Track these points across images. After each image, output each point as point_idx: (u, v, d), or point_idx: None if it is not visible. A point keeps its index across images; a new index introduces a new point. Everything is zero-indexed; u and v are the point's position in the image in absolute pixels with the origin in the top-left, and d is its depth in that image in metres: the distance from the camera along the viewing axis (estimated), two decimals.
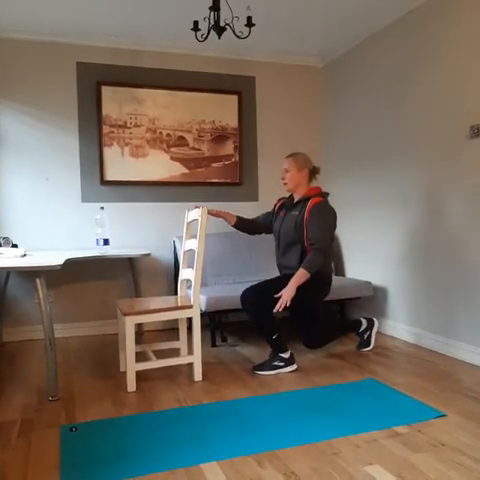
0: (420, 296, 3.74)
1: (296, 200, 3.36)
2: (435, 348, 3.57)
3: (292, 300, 3.08)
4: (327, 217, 3.28)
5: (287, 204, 3.43)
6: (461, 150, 3.30)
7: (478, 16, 3.14)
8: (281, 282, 3.16)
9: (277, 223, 3.45)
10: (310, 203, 3.24)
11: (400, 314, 3.96)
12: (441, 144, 3.48)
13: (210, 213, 3.27)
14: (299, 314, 3.33)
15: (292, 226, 3.27)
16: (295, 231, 3.25)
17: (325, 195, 3.36)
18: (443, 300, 3.51)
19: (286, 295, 3.06)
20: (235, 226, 3.53)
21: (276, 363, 3.21)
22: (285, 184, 3.36)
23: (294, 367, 3.23)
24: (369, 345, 3.62)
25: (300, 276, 3.10)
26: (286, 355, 3.22)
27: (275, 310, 3.06)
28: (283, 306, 3.05)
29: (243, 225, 3.55)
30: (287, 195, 3.48)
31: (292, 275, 3.13)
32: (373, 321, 3.64)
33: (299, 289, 3.11)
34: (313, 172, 3.38)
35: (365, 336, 3.62)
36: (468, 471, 1.93)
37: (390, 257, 4.06)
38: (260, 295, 3.20)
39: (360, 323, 3.61)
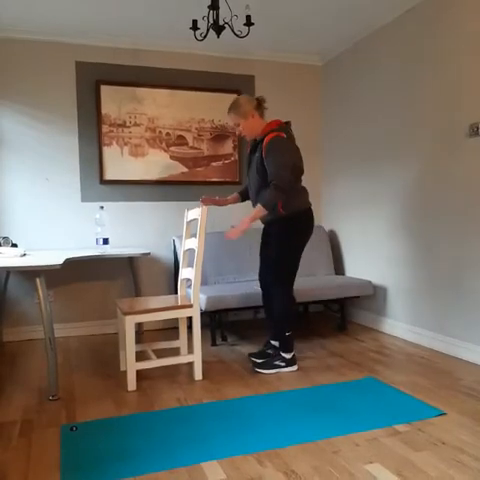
0: (420, 295, 3.74)
1: (257, 141, 3.21)
2: (435, 347, 3.58)
3: (270, 249, 3.20)
4: (282, 151, 3.06)
5: (252, 147, 3.30)
6: (461, 148, 3.30)
7: (477, 15, 3.14)
8: (265, 247, 3.32)
9: (248, 168, 3.35)
10: (264, 141, 3.09)
11: (400, 313, 3.96)
12: (441, 143, 3.48)
13: (218, 203, 3.39)
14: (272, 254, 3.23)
15: (255, 169, 3.17)
16: (258, 174, 3.14)
17: (280, 128, 3.13)
18: (442, 299, 3.51)
19: (239, 227, 3.05)
20: (243, 200, 3.52)
21: (277, 362, 3.21)
22: (244, 136, 3.26)
23: (295, 368, 3.22)
24: (270, 369, 3.17)
25: (256, 211, 3.06)
26: (289, 356, 3.22)
27: (226, 236, 3.06)
28: (234, 235, 3.04)
29: (246, 195, 3.47)
30: None
31: (270, 223, 3.21)
32: (294, 364, 3.22)
33: (278, 235, 3.16)
34: (259, 106, 3.21)
35: (276, 362, 3.20)
36: (468, 469, 1.93)
37: (390, 256, 4.06)
38: (265, 279, 3.33)
39: (291, 353, 3.22)
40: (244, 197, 3.50)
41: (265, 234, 3.38)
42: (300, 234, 3.21)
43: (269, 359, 3.25)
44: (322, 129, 4.96)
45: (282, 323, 3.22)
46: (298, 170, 3.18)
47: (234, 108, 3.18)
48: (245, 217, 3.07)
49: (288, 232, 3.16)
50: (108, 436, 2.29)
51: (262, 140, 3.13)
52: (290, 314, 3.25)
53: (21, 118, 4.11)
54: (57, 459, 2.08)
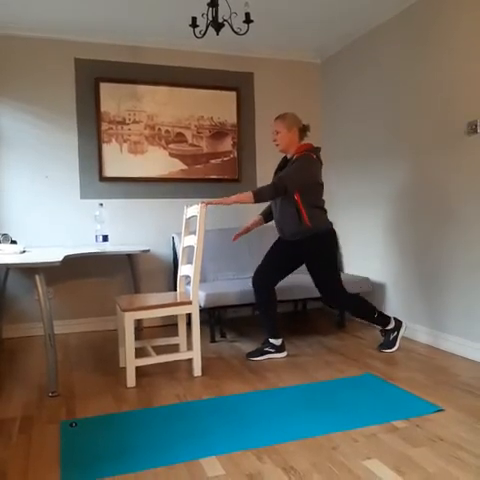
0: (418, 292, 3.75)
1: (288, 158, 3.41)
2: (432, 343, 3.59)
3: (312, 271, 3.37)
4: (304, 169, 3.24)
5: (281, 165, 3.48)
6: (459, 146, 3.31)
7: (476, 13, 3.14)
8: (280, 253, 3.44)
9: None
10: (295, 157, 3.30)
11: (398, 309, 3.97)
12: (439, 140, 3.48)
13: (241, 234, 3.48)
14: (316, 275, 3.39)
15: None
16: None
17: (314, 150, 3.31)
18: (440, 296, 3.52)
19: (221, 201, 3.16)
20: (266, 221, 3.59)
21: (267, 349, 3.39)
22: (277, 145, 3.39)
23: (284, 354, 3.42)
24: (394, 346, 3.48)
25: (245, 196, 3.15)
26: (277, 342, 3.40)
27: (205, 203, 3.08)
28: (213, 203, 3.12)
29: (269, 216, 3.56)
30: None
31: (301, 242, 3.30)
32: (401, 322, 3.51)
33: (309, 251, 3.31)
34: (303, 130, 3.38)
35: (391, 336, 3.49)
36: (466, 465, 1.94)
37: (388, 253, 4.07)
38: (268, 273, 3.42)
39: (390, 320, 3.49)
40: (267, 217, 3.58)
41: (288, 251, 3.41)
42: (334, 249, 3.42)
43: (259, 346, 3.44)
44: (321, 127, 4.96)
45: (365, 312, 3.46)
46: (321, 188, 3.36)
47: (282, 117, 3.37)
48: (233, 196, 3.20)
49: (326, 246, 3.34)
50: (108, 432, 2.30)
51: (292, 157, 3.32)
52: (363, 302, 3.48)
53: (20, 115, 4.11)
54: (57, 455, 2.09)
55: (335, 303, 3.54)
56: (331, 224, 3.41)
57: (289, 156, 3.39)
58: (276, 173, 3.48)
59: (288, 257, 3.43)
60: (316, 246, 3.31)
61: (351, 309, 3.53)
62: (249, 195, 3.14)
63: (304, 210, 3.23)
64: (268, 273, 3.42)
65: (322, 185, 3.36)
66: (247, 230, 3.54)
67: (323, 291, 3.42)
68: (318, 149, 3.36)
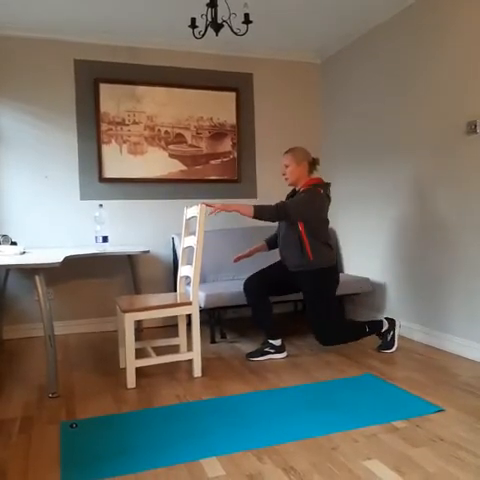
0: (418, 291, 3.75)
1: (297, 190, 3.43)
2: (432, 343, 3.59)
3: (306, 299, 3.38)
4: (310, 202, 3.26)
5: (289, 196, 3.50)
6: (458, 146, 3.31)
7: (476, 12, 3.14)
8: (280, 275, 3.44)
9: None
10: (302, 189, 3.33)
11: (398, 309, 3.97)
12: (439, 140, 3.48)
13: (243, 257, 3.58)
14: (312, 309, 3.37)
15: None
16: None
17: (322, 185, 3.33)
18: (440, 295, 3.52)
19: (224, 207, 3.16)
20: (270, 249, 3.63)
21: (267, 349, 3.39)
22: (286, 179, 3.40)
23: (284, 355, 3.41)
24: (393, 346, 3.47)
25: (246, 208, 3.18)
26: (277, 343, 3.40)
27: (210, 212, 3.11)
28: (215, 208, 3.13)
29: (274, 244, 3.60)
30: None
31: (301, 274, 3.32)
32: (394, 321, 3.50)
33: (309, 286, 3.31)
34: (313, 163, 3.40)
35: (389, 337, 3.47)
36: (466, 465, 1.94)
37: (388, 253, 4.07)
38: (261, 282, 3.43)
39: (382, 323, 3.48)
40: (271, 245, 3.62)
41: (288, 277, 3.42)
42: (334, 286, 3.41)
43: (259, 347, 3.45)
44: (321, 127, 4.96)
45: (358, 334, 3.45)
46: (326, 224, 3.40)
47: (292, 151, 3.39)
48: (233, 204, 3.31)
49: (326, 284, 3.35)
50: (108, 433, 2.30)
51: (300, 189, 3.35)
52: (349, 327, 3.53)
53: (20, 116, 4.11)
54: (57, 456, 2.09)
55: (325, 342, 3.40)
56: (335, 261, 3.41)
57: (297, 188, 3.41)
58: None
59: (286, 282, 3.45)
60: (316, 282, 3.31)
61: (343, 341, 3.48)
62: (250, 209, 3.15)
63: (307, 242, 3.23)
64: (261, 285, 3.43)
65: (327, 221, 3.39)
66: (249, 254, 3.60)
67: (315, 327, 3.36)
68: (327, 185, 3.37)
